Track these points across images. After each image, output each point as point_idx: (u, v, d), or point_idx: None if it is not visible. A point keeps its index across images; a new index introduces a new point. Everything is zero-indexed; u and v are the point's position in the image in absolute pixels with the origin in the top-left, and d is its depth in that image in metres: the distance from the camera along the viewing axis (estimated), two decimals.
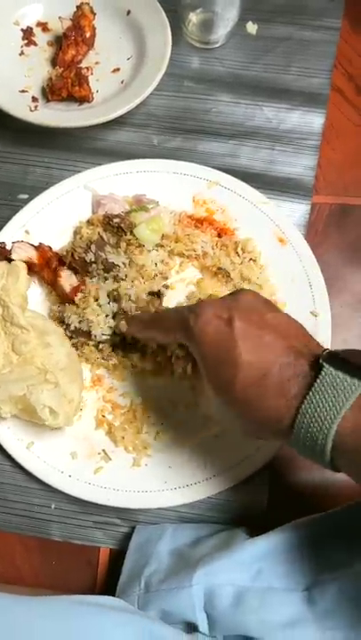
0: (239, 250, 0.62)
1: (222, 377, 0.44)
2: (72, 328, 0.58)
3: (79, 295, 0.59)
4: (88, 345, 0.59)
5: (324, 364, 0.40)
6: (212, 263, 0.62)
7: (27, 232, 0.64)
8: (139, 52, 0.72)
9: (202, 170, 0.66)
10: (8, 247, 0.61)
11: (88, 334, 0.58)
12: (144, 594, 0.49)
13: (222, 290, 0.61)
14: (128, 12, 0.73)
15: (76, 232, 0.64)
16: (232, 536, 0.52)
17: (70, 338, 0.59)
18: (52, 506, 0.57)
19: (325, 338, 0.59)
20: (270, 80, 0.73)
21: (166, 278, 0.62)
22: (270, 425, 0.43)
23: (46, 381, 0.54)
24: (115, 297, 0.58)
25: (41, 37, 0.75)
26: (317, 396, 0.39)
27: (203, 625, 0.46)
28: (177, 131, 0.71)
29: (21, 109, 0.68)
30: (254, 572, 0.47)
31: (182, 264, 0.63)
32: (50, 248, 0.62)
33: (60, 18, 0.73)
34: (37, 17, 0.75)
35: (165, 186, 0.65)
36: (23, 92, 0.71)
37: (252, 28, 0.75)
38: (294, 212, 0.67)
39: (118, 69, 0.72)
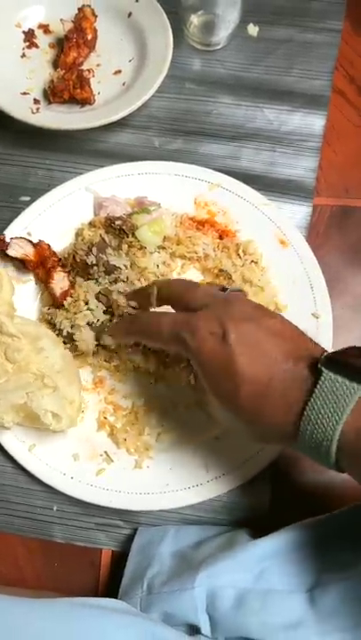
0: (241, 252, 0.62)
1: (225, 391, 0.44)
2: (64, 334, 0.58)
3: (68, 300, 0.59)
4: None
5: (323, 368, 0.40)
6: (213, 265, 0.62)
7: (28, 234, 0.64)
8: (140, 54, 0.72)
9: (203, 172, 0.66)
10: (7, 241, 0.61)
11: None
12: (146, 596, 0.49)
13: None
14: (129, 15, 0.74)
15: (78, 234, 0.64)
16: (234, 538, 0.52)
17: (64, 342, 0.59)
18: (54, 508, 0.58)
19: (327, 340, 0.59)
20: (271, 82, 0.73)
21: None
22: (276, 431, 0.43)
23: (45, 386, 0.54)
24: (106, 300, 0.58)
25: (42, 39, 0.75)
26: (318, 402, 0.40)
27: (205, 627, 0.46)
28: (178, 133, 0.71)
29: (23, 111, 0.68)
30: (257, 573, 0.47)
31: (184, 266, 0.64)
32: (49, 246, 0.62)
33: (61, 20, 0.73)
34: (39, 19, 0.75)
35: (167, 188, 0.65)
36: (25, 94, 0.71)
37: (253, 30, 0.75)
38: (295, 213, 0.67)
39: (120, 71, 0.73)
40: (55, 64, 0.74)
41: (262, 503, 0.56)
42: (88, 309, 0.58)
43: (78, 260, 0.61)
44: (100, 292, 0.59)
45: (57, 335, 0.59)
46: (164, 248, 0.63)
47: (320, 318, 0.60)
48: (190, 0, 0.71)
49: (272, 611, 0.45)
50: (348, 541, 0.46)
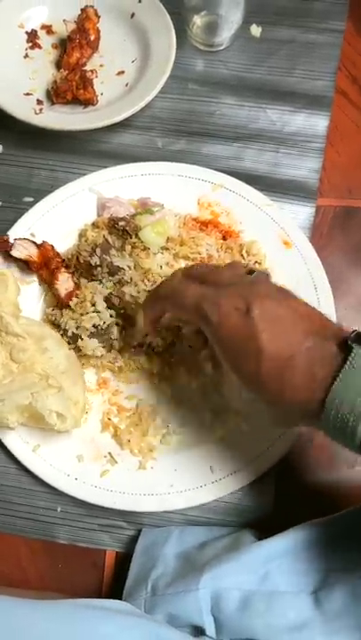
0: (244, 252, 0.62)
1: (247, 367, 0.43)
2: (69, 334, 0.58)
3: (74, 300, 0.59)
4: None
5: (354, 345, 0.40)
6: None
7: (32, 235, 0.64)
8: (143, 55, 0.72)
9: (206, 172, 0.66)
10: (11, 242, 0.62)
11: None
12: (151, 597, 0.49)
13: None
14: (132, 15, 0.74)
15: (81, 235, 0.64)
16: (239, 539, 0.52)
17: (68, 343, 0.59)
18: (58, 509, 0.57)
19: None
20: (274, 82, 0.73)
21: None
22: (299, 409, 0.42)
23: (49, 386, 0.54)
24: (114, 302, 0.58)
25: (45, 40, 0.75)
26: (348, 377, 0.39)
27: (210, 628, 0.46)
28: (181, 133, 0.71)
29: (26, 112, 0.68)
30: (262, 575, 0.47)
31: None
32: (52, 247, 0.62)
33: (64, 21, 0.73)
34: (42, 20, 0.75)
35: (170, 188, 0.65)
36: (28, 94, 0.71)
37: (256, 30, 0.75)
38: (299, 214, 0.67)
39: (123, 72, 0.73)
40: (58, 65, 0.74)
41: (267, 504, 0.56)
42: (95, 311, 0.58)
43: (82, 261, 0.61)
44: (111, 293, 0.58)
45: (61, 336, 0.59)
46: (167, 249, 0.63)
47: None
48: (193, 1, 0.71)
49: (277, 612, 0.45)
50: (355, 542, 0.46)
